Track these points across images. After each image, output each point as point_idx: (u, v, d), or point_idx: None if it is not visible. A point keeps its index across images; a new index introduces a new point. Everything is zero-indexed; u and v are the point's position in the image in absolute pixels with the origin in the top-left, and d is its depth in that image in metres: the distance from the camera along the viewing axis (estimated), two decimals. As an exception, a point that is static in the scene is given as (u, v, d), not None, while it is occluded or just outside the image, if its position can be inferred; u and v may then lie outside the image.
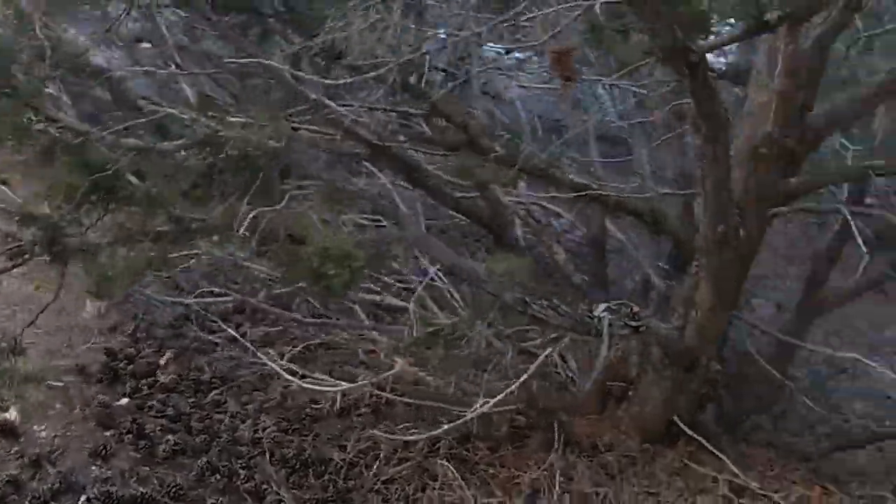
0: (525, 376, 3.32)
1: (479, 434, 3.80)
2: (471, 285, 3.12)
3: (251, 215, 2.43)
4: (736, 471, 3.96)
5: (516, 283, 3.06)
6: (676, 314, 4.02)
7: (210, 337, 4.15)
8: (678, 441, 4.22)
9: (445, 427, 3.42)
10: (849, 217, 3.65)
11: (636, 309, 3.55)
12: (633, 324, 3.48)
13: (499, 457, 3.83)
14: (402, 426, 3.84)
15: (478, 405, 3.20)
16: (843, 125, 3.71)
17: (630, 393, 4.36)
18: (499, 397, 3.21)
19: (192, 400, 3.77)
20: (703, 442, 4.12)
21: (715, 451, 4.08)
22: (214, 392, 3.83)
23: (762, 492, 3.94)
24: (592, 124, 4.77)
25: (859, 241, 3.46)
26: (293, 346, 4.25)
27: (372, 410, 3.93)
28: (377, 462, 3.62)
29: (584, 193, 3.48)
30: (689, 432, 4.13)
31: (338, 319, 4.18)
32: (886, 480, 4.57)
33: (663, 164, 4.68)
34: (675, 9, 2.30)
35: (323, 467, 3.54)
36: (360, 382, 3.39)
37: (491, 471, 3.73)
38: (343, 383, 3.48)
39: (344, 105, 4.11)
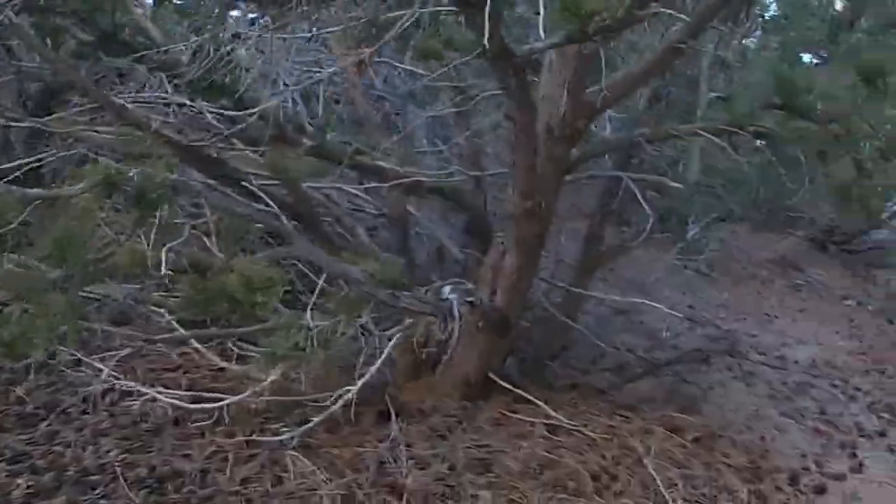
0: (380, 360, 3.70)
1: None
2: (349, 286, 3.38)
3: (164, 250, 2.54)
4: (550, 412, 4.54)
5: (390, 280, 3.42)
6: (484, 282, 4.60)
7: (17, 365, 4.07)
8: (493, 396, 4.79)
9: (315, 420, 3.72)
10: (630, 182, 4.41)
11: (470, 285, 4.06)
12: (470, 299, 3.99)
13: (339, 438, 4.10)
14: (239, 426, 4.04)
15: (343, 394, 3.56)
16: (617, 102, 4.41)
17: (444, 358, 4.91)
18: (360, 383, 3.56)
19: (24, 437, 3.64)
20: (518, 391, 4.70)
21: (530, 398, 4.66)
22: (44, 424, 3.78)
23: (574, 428, 4.54)
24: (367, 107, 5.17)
25: (643, 202, 4.24)
26: (104, 360, 4.26)
27: (207, 414, 4.09)
28: (227, 464, 3.72)
29: (401, 181, 3.91)
30: (505, 385, 4.72)
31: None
32: (669, 402, 5.44)
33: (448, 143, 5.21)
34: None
35: (179, 480, 3.57)
36: (243, 395, 3.54)
37: (335, 452, 3.97)
38: (226, 397, 3.62)
39: (136, 103, 4.20)
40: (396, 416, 4.33)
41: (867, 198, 4.65)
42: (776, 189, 6.03)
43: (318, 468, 3.83)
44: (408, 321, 3.95)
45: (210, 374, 4.39)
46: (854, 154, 4.18)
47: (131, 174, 2.17)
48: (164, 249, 2.58)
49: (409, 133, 4.82)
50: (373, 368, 3.66)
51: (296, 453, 3.88)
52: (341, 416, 4.08)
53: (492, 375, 4.76)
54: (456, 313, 3.90)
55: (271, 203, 3.77)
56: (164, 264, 2.53)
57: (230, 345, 4.43)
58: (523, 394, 4.73)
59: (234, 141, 4.16)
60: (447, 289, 3.89)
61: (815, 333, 7.83)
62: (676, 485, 4.31)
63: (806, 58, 6.23)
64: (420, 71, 4.62)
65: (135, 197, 2.23)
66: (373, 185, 4.51)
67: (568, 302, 5.51)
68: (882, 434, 5.78)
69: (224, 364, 4.41)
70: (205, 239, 3.72)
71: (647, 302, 5.50)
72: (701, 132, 4.40)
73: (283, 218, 3.66)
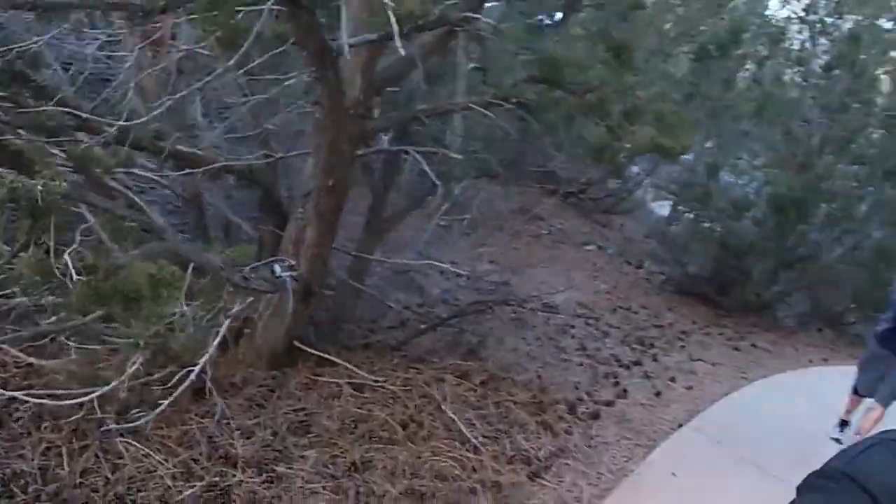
0: (219, 339, 4.11)
1: (137, 402, 4.47)
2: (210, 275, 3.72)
3: (68, 255, 2.75)
4: (355, 371, 5.17)
5: (242, 265, 3.84)
6: (287, 255, 5.13)
7: None
8: (297, 362, 5.32)
9: (166, 403, 4.06)
10: (417, 156, 5.13)
11: (292, 262, 4.57)
12: (293, 274, 4.51)
13: (162, 419, 4.38)
14: (68, 419, 4.19)
15: (188, 374, 3.96)
16: (396, 83, 5.10)
17: (247, 331, 5.39)
18: (201, 363, 3.95)
19: None
20: (320, 355, 5.27)
21: (333, 359, 5.27)
22: None
23: (377, 384, 5.21)
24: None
25: (431, 174, 4.99)
26: None
27: (30, 413, 4.28)
28: (63, 459, 3.94)
29: (212, 166, 4.34)
30: (309, 351, 5.25)
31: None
32: (453, 352, 6.28)
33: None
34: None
35: (22, 480, 3.74)
36: (111, 385, 3.73)
37: (162, 433, 4.30)
38: (96, 390, 3.79)
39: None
40: (212, 391, 4.78)
41: (616, 157, 5.71)
42: (528, 149, 7.06)
43: (151, 451, 4.20)
44: (248, 300, 4.40)
45: (20, 372, 4.55)
46: (606, 120, 5.15)
47: (39, 187, 2.48)
48: (66, 254, 2.87)
49: (197, 116, 5.16)
50: (213, 346, 4.09)
51: (126, 439, 4.21)
52: (159, 397, 4.44)
53: (296, 343, 5.32)
54: (289, 289, 4.42)
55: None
56: (71, 269, 2.84)
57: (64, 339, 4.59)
58: (326, 356, 5.32)
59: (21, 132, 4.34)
60: (278, 267, 4.38)
61: (566, 279, 9.12)
62: (475, 424, 5.16)
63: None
64: (201, 51, 4.96)
65: (30, 207, 2.52)
66: (169, 169, 4.83)
67: (355, 267, 6.16)
68: (637, 363, 7.08)
69: (33, 361, 4.59)
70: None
71: (431, 262, 6.31)
72: (473, 105, 5.19)
73: (152, 214, 3.96)
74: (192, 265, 3.36)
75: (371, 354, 5.90)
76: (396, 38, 2.95)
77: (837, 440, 6.13)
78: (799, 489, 1.18)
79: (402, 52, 3.27)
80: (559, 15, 8.55)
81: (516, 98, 5.14)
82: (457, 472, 4.63)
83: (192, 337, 3.62)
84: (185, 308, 3.22)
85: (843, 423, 6.26)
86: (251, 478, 4.24)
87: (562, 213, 11.83)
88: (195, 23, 3.59)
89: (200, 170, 4.36)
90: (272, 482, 4.25)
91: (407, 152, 5.38)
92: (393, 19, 3.14)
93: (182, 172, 4.43)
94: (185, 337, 3.46)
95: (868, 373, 5.97)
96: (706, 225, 10.11)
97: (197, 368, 3.91)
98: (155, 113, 3.68)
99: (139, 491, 3.98)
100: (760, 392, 7.21)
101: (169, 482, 4.05)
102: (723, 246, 9.74)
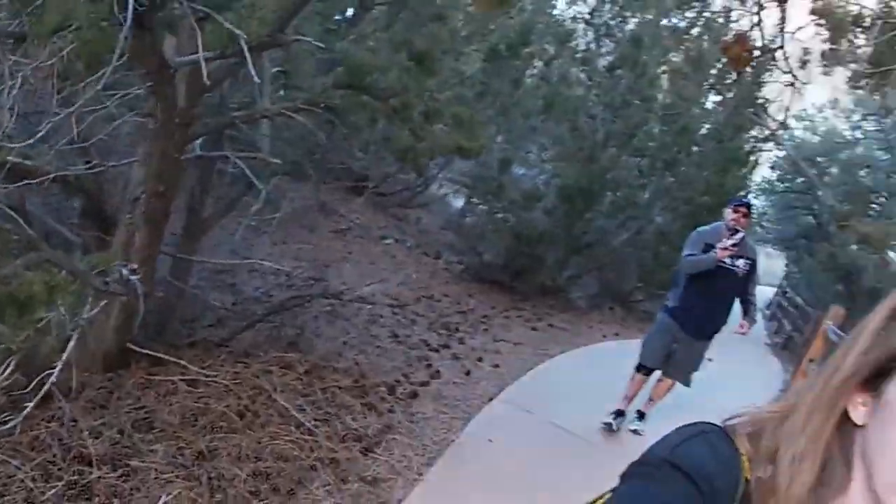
0: (73, 342, 4.58)
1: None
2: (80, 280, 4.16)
3: None
4: (189, 367, 5.72)
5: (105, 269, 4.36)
6: (118, 258, 5.60)
7: None
8: (131, 363, 5.81)
9: (30, 406, 4.48)
10: (237, 160, 5.83)
11: (134, 266, 5.09)
12: (135, 277, 5.03)
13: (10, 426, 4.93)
14: None
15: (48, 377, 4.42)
16: (212, 88, 5.74)
17: (78, 338, 5.79)
18: (62, 361, 4.41)
19: None
20: (152, 355, 5.76)
21: (166, 357, 5.77)
22: None
23: (209, 379, 5.79)
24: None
25: (251, 176, 5.72)
26: None
27: None
28: None
29: (47, 177, 4.84)
30: (141, 351, 5.70)
31: None
32: (274, 345, 6.96)
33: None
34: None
35: None
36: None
37: (11, 439, 4.63)
38: None
39: None
40: (56, 395, 5.19)
41: (419, 158, 6.61)
42: (331, 148, 7.84)
43: (6, 456, 4.59)
44: (102, 303, 4.90)
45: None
46: (408, 123, 5.99)
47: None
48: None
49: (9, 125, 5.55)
50: (70, 346, 4.57)
51: (-27, 448, 4.63)
52: (6, 405, 4.90)
53: (128, 345, 5.81)
54: (139, 292, 4.98)
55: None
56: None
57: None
58: (158, 356, 5.85)
59: None
60: (124, 270, 4.90)
61: (371, 272, 9.98)
62: (305, 410, 5.88)
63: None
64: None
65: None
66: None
67: (177, 268, 6.73)
68: (446, 346, 8.07)
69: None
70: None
71: (252, 261, 7.00)
72: (285, 111, 5.92)
73: (25, 227, 4.39)
74: (63, 271, 3.91)
75: (198, 352, 6.46)
76: (248, 60, 3.67)
77: (636, 431, 7.07)
78: (622, 477, 1.22)
79: (254, 74, 4.02)
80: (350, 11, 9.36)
81: (324, 103, 5.87)
82: (296, 452, 5.32)
83: (59, 340, 4.13)
84: (62, 312, 3.77)
85: (639, 413, 7.27)
86: (108, 474, 4.69)
87: (360, 208, 12.64)
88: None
89: (36, 181, 4.81)
90: (128, 476, 4.74)
91: (227, 157, 6.04)
92: (245, 46, 3.88)
93: (20, 184, 4.84)
94: (55, 340, 3.99)
95: (654, 345, 6.96)
96: (499, 216, 11.26)
97: (56, 370, 4.41)
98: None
99: (3, 495, 4.34)
100: (560, 366, 8.42)
101: (30, 484, 4.43)
102: (516, 235, 10.92)
